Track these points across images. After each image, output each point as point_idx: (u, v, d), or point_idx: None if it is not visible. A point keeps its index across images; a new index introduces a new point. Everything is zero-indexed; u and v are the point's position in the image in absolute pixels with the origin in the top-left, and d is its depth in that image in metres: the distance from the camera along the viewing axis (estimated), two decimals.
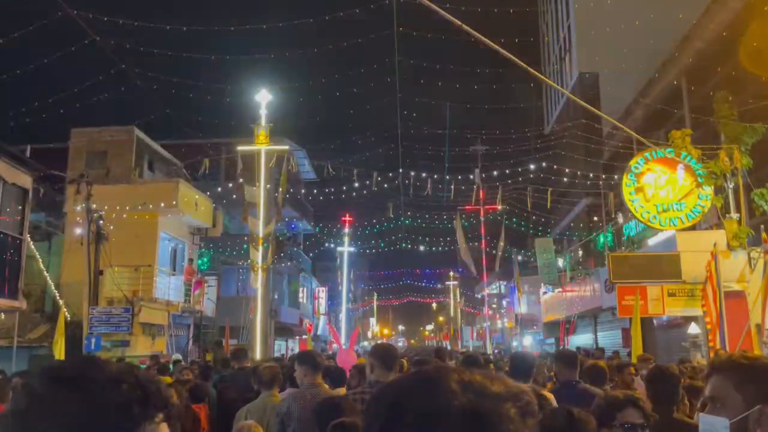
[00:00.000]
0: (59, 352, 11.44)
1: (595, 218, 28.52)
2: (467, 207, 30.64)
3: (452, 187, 24.05)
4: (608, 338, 20.58)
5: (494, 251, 30.45)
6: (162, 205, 19.84)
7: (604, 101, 27.44)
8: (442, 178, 25.09)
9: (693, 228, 12.50)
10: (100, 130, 20.95)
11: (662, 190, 12.30)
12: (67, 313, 17.34)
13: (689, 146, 12.01)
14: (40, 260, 16.79)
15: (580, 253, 27.17)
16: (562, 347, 17.92)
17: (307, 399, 4.50)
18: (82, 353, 15.73)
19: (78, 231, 17.87)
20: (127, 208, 18.87)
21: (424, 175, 23.83)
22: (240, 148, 21.01)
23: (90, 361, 0.97)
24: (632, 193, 12.42)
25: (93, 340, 16.19)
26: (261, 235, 20.18)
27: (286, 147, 22.43)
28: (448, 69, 33.25)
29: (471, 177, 27.63)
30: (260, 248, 20.00)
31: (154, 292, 19.40)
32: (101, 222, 17.33)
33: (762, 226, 11.24)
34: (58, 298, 16.47)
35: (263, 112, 20.92)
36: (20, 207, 13.08)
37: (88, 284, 17.00)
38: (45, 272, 16.79)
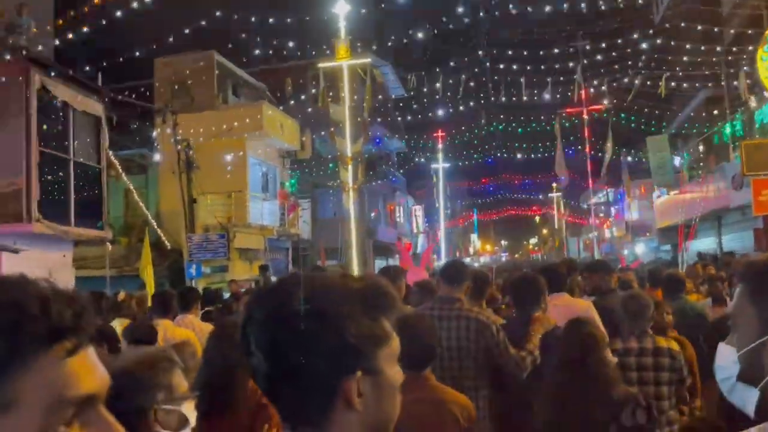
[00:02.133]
0: (149, 279, 11.52)
1: (715, 111, 25.44)
2: (567, 109, 28.29)
3: (550, 88, 22.07)
4: (736, 241, 18.50)
5: (601, 154, 28.11)
6: (247, 129, 19.56)
7: None
8: (540, 79, 23.06)
9: None
10: (182, 58, 20.69)
11: None
12: (167, 242, 17.76)
13: None
14: (135, 192, 17.07)
15: (701, 148, 24.39)
16: (680, 253, 16.29)
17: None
18: (184, 281, 16.07)
19: (168, 161, 17.98)
20: (215, 131, 18.72)
21: (522, 79, 21.96)
22: (321, 64, 20.21)
23: None
24: None
25: (194, 267, 16.51)
26: (349, 154, 19.60)
27: (368, 60, 21.33)
28: None
29: (574, 77, 25.16)
30: (349, 168, 19.46)
31: (247, 218, 19.44)
32: (190, 151, 17.27)
33: None
34: (155, 226, 16.79)
35: (342, 25, 19.87)
36: (95, 135, 12.99)
37: (183, 213, 17.19)
38: (142, 204, 17.09)
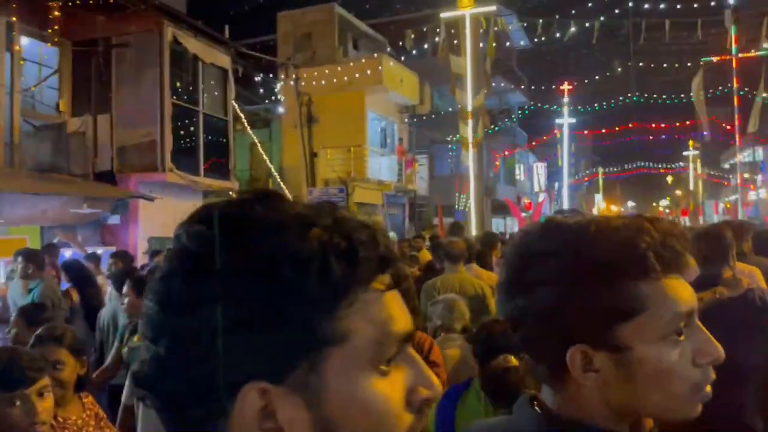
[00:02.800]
0: None
1: None
2: (714, 58, 25.48)
3: (695, 32, 19.83)
4: None
5: (752, 103, 25.22)
6: (368, 82, 19.38)
7: None
8: (681, 22, 20.81)
9: None
10: (303, 12, 20.76)
11: None
12: (289, 196, 18.18)
13: None
14: (260, 145, 17.50)
15: None
16: None
17: None
18: None
19: (291, 115, 18.25)
20: (335, 85, 18.72)
21: (657, 21, 19.93)
22: (443, 14, 19.59)
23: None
24: None
25: None
26: (470, 108, 19.01)
27: (493, 8, 20.30)
28: None
29: (721, 19, 22.52)
30: (469, 122, 18.89)
31: (366, 172, 19.44)
32: (311, 104, 17.41)
33: None
34: (278, 180, 17.20)
35: None
36: (222, 89, 13.27)
37: (305, 166, 17.47)
38: (265, 157, 17.52)
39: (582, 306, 0.87)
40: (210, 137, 12.90)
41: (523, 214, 26.53)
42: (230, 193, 13.81)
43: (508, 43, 31.36)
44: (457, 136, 19.90)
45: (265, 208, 0.61)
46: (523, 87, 33.22)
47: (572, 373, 0.89)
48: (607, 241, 0.88)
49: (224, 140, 13.16)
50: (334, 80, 18.89)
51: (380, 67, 19.74)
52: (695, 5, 21.06)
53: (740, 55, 25.02)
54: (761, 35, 19.75)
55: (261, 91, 20.57)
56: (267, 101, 21.12)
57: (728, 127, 27.94)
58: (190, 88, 12.39)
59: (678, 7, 19.59)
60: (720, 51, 25.45)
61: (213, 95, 13.10)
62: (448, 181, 23.86)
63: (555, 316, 0.89)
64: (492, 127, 27.93)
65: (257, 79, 19.81)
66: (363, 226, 0.63)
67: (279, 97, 20.04)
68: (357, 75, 19.24)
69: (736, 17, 23.28)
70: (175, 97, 11.90)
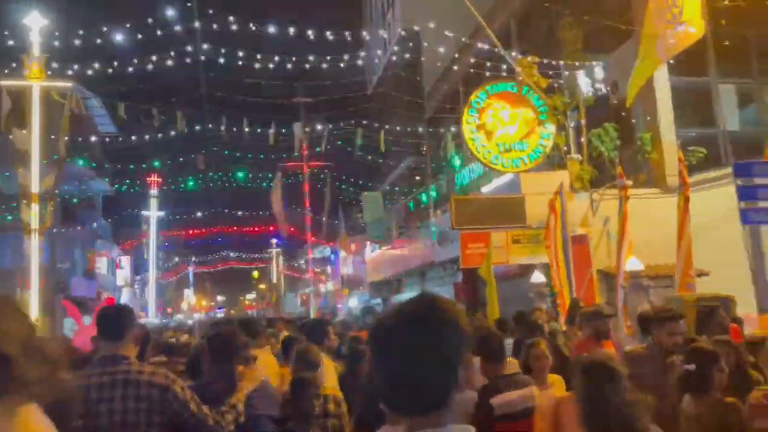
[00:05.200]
0: None
1: (418, 177, 28.08)
2: (288, 163, 28.38)
3: (271, 139, 21.61)
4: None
5: (323, 211, 28.66)
6: None
7: (426, 56, 26.55)
8: (262, 132, 22.44)
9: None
10: None
11: (505, 128, 11.22)
12: None
13: (537, 76, 10.98)
14: None
15: (408, 207, 26.43)
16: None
17: None
18: None
19: None
20: None
21: (243, 129, 21.03)
22: (4, 82, 17.01)
23: None
24: (473, 131, 11.20)
25: None
26: (36, 191, 16.64)
27: (70, 84, 18.58)
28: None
29: (294, 131, 25.24)
30: (35, 206, 16.48)
31: None
32: None
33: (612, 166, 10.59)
34: None
35: (36, 40, 17.27)
36: None
37: None
38: None
39: None
40: None
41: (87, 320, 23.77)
42: None
43: (97, 127, 29.27)
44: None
45: None
46: (107, 175, 31.04)
47: None
48: None
49: None
50: None
51: None
52: (281, 129, 22.87)
53: (310, 164, 28.45)
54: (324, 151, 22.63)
55: None
56: None
57: (299, 231, 31.20)
58: None
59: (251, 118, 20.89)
60: (294, 159, 28.47)
61: None
62: (7, 276, 20.31)
63: None
64: (70, 218, 25.19)
65: None
66: None
67: None
68: None
69: (305, 134, 26.39)
70: None
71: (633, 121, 11.81)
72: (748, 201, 7.43)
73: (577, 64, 11.14)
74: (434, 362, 1.12)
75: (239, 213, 34.75)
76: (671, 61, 10.98)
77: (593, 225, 10.76)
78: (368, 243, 25.84)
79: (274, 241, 53.91)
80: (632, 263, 9.20)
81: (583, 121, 11.26)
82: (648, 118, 11.60)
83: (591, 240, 10.59)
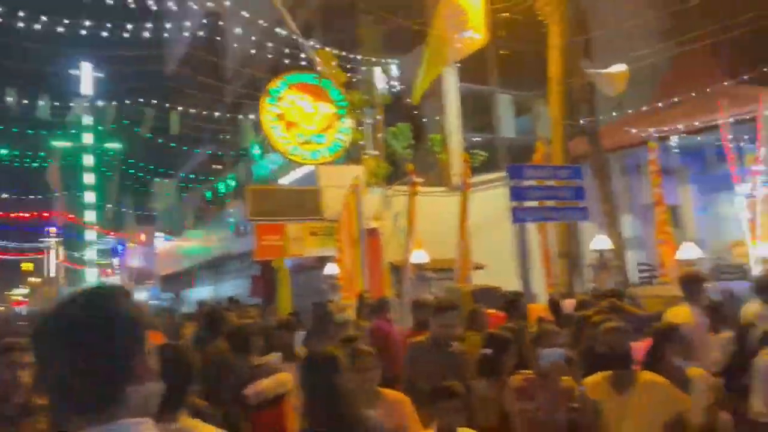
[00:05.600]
0: None
1: (219, 166, 26.94)
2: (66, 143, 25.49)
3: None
4: (236, 289, 19.30)
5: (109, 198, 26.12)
6: None
7: (229, 39, 25.51)
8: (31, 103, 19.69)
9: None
10: None
11: (304, 119, 11.10)
12: None
13: (336, 69, 11.00)
14: None
15: (205, 197, 25.17)
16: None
17: None
18: None
19: None
20: None
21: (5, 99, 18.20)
22: None
23: None
24: (273, 119, 10.90)
25: None
26: None
27: None
28: None
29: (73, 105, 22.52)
30: None
31: None
32: None
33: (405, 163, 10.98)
34: None
35: None
36: None
37: None
38: None
39: None
40: None
41: None
42: None
43: None
44: None
45: None
46: None
47: None
48: None
49: None
50: None
51: None
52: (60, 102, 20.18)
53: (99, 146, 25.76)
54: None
55: None
56: None
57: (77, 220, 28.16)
58: None
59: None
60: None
61: None
62: None
63: None
64: None
65: None
66: None
67: None
68: None
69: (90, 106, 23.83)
70: None
71: (424, 120, 12.45)
72: (519, 201, 8.17)
73: (374, 60, 11.41)
74: (101, 358, 1.11)
75: (3, 195, 30.28)
76: (460, 68, 11.74)
77: (385, 219, 11.12)
78: (159, 234, 24.17)
79: (53, 229, 48.34)
80: (418, 256, 9.67)
81: (379, 117, 11.57)
82: (437, 119, 12.31)
83: (383, 234, 10.92)
